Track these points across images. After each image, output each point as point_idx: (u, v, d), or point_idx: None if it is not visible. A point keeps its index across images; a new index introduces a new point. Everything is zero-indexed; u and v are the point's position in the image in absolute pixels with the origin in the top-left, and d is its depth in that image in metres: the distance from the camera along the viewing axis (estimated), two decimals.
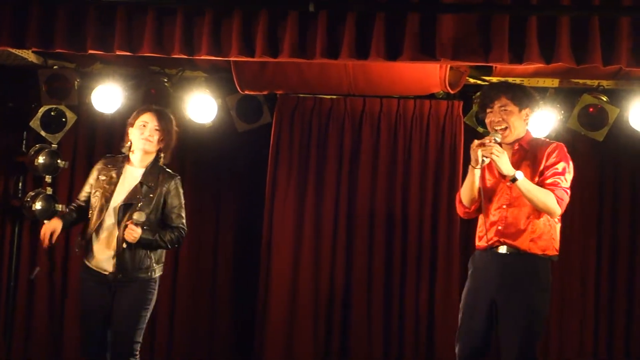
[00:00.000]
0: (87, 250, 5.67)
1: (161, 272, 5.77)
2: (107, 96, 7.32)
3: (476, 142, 5.21)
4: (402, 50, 5.65)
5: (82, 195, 5.84)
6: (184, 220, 5.79)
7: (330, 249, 7.55)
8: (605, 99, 7.13)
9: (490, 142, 5.15)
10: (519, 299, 5.11)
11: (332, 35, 5.68)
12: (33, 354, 7.70)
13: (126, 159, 5.80)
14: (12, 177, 7.78)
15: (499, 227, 5.23)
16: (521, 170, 5.15)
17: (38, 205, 7.56)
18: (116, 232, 5.58)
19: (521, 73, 7.09)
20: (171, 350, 7.72)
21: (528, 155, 5.28)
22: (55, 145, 7.64)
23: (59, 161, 7.62)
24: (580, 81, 7.22)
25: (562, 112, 7.21)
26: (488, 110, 5.33)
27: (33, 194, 7.64)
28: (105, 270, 5.60)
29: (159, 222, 5.70)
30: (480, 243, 5.36)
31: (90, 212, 5.70)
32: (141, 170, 5.74)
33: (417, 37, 5.63)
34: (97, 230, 5.62)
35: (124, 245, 5.54)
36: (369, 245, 7.52)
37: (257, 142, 7.67)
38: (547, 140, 5.47)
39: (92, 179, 5.80)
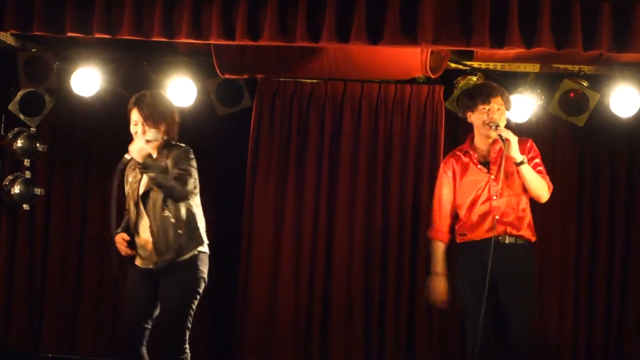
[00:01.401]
0: (133, 249, 5.59)
1: (205, 249, 5.60)
2: (86, 80, 7.26)
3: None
4: (383, 34, 5.66)
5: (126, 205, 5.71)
6: (191, 177, 5.54)
7: (311, 233, 7.54)
8: (586, 84, 7.14)
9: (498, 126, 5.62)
10: (521, 281, 5.63)
11: (313, 18, 5.67)
12: (12, 340, 7.65)
13: None
14: None
15: (496, 217, 5.61)
16: (502, 161, 5.58)
17: (17, 189, 7.51)
18: (147, 224, 5.51)
19: (502, 58, 7.09)
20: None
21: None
22: (34, 129, 7.59)
23: (37, 145, 7.57)
24: (561, 66, 7.23)
25: (543, 97, 7.22)
26: (482, 105, 5.65)
27: (12, 177, 7.58)
28: (146, 266, 5.55)
29: None
30: (470, 235, 5.70)
31: (127, 216, 5.62)
32: (154, 156, 5.61)
33: (398, 21, 5.64)
34: (137, 228, 5.55)
35: (127, 156, 5.41)
36: (350, 230, 7.51)
37: (237, 126, 7.64)
38: (520, 137, 5.74)
39: (119, 186, 5.62)
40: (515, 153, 5.57)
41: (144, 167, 5.43)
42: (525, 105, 7.08)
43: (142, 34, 5.85)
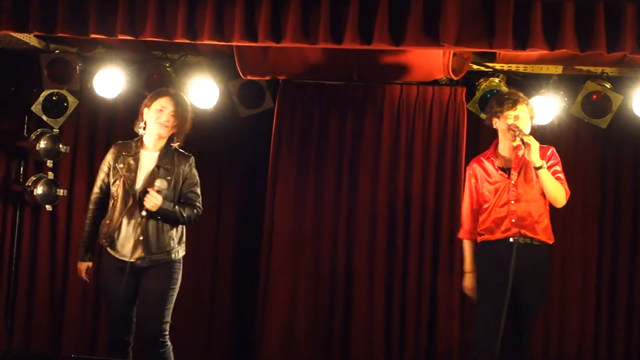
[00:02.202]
0: (111, 239, 5.70)
1: (184, 253, 5.84)
2: (109, 81, 7.29)
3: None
4: (406, 35, 5.65)
5: (98, 186, 5.85)
6: (200, 199, 5.87)
7: (332, 236, 7.54)
8: (609, 86, 7.11)
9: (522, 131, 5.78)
10: (535, 283, 5.83)
11: (336, 20, 5.68)
12: (34, 340, 7.69)
13: (140, 143, 5.83)
14: (13, 162, 7.76)
15: (512, 220, 5.81)
16: (525, 168, 5.83)
17: (39, 190, 7.55)
18: (139, 219, 5.62)
19: (525, 59, 7.07)
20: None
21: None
22: (57, 130, 7.63)
23: (60, 146, 7.61)
24: (584, 68, 7.20)
25: (566, 99, 7.19)
26: (509, 111, 5.82)
27: (34, 178, 7.62)
28: (130, 258, 5.64)
29: (177, 202, 5.75)
30: (487, 236, 5.92)
31: (112, 201, 5.72)
32: (156, 154, 5.78)
33: (420, 22, 5.63)
34: (122, 219, 5.65)
35: (143, 214, 5.57)
36: (371, 233, 7.49)
37: (259, 128, 7.65)
38: (543, 146, 5.89)
39: (106, 167, 5.82)
40: (535, 157, 5.71)
41: (159, 214, 5.63)
42: (548, 107, 7.05)
43: (165, 35, 5.87)
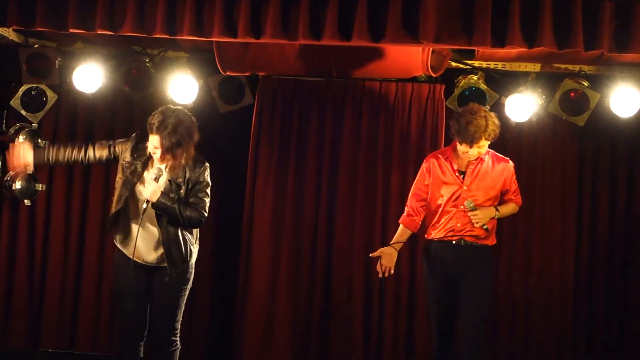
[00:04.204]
0: (124, 238, 5.69)
1: (196, 254, 5.85)
2: (88, 76, 7.27)
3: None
4: (385, 32, 5.67)
5: (100, 152, 5.74)
6: (206, 206, 5.72)
7: (311, 232, 7.56)
8: (586, 84, 7.15)
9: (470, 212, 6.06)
10: (478, 280, 6.06)
11: (315, 16, 5.69)
12: (12, 335, 7.67)
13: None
14: None
15: (458, 225, 6.08)
16: (480, 175, 6.10)
17: (18, 185, 7.50)
18: (157, 230, 5.61)
19: (503, 57, 7.11)
20: None
21: (485, 164, 6.14)
22: (36, 125, 7.58)
23: (39, 140, 7.56)
24: (562, 66, 7.25)
25: (544, 96, 7.22)
26: (465, 143, 5.96)
27: (13, 173, 7.58)
28: (148, 262, 5.65)
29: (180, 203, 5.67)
30: (433, 235, 6.18)
31: (116, 191, 5.70)
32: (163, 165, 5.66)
33: (399, 19, 5.65)
34: (138, 224, 5.61)
35: (144, 206, 5.54)
36: (350, 228, 7.52)
37: (238, 123, 7.65)
38: (500, 155, 6.26)
39: (121, 152, 5.72)
40: (487, 221, 6.07)
41: (157, 209, 5.55)
42: (525, 104, 7.09)
43: (144, 30, 5.87)
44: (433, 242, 6.19)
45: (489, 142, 6.02)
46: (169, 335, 5.71)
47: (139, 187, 5.59)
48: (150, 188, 5.53)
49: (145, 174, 5.64)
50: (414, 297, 7.48)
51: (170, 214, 5.58)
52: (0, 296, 7.70)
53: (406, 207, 6.34)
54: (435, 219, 6.17)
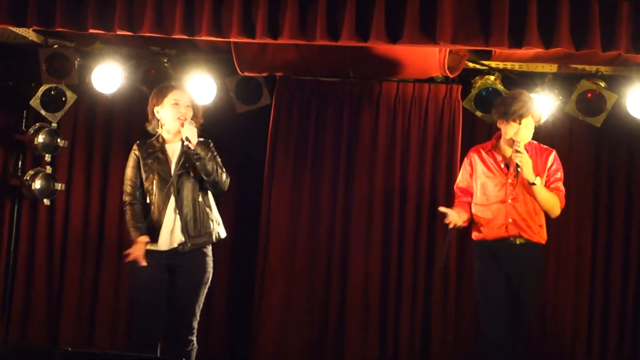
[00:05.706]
0: (156, 233, 5.72)
1: (225, 234, 5.92)
2: (107, 76, 7.33)
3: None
4: (402, 33, 5.66)
5: (129, 187, 5.80)
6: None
7: (327, 232, 7.58)
8: (603, 85, 7.15)
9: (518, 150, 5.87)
10: (529, 280, 5.99)
11: (333, 17, 5.69)
12: (31, 333, 7.71)
13: (160, 138, 5.85)
14: (11, 156, 7.78)
15: (510, 220, 5.95)
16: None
17: (37, 184, 7.58)
18: (174, 206, 5.67)
19: (520, 58, 7.10)
20: None
21: (529, 154, 5.94)
22: (55, 124, 7.64)
23: (58, 140, 7.63)
24: (579, 67, 7.23)
25: (561, 97, 7.22)
26: (513, 121, 5.87)
27: (32, 172, 7.64)
28: (170, 246, 5.67)
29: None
30: (484, 233, 6.04)
31: (149, 197, 5.75)
32: (179, 143, 5.78)
33: (417, 20, 5.64)
34: (165, 208, 5.69)
35: (185, 143, 5.63)
36: (367, 228, 7.53)
37: (256, 124, 7.68)
38: (544, 146, 6.14)
39: (133, 167, 5.81)
40: (529, 175, 5.87)
41: (195, 153, 5.63)
42: (542, 105, 7.06)
43: (163, 31, 5.89)
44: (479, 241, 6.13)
45: (535, 125, 5.97)
46: (187, 334, 5.73)
47: (180, 129, 5.69)
48: (191, 128, 5.65)
49: (171, 162, 5.74)
50: (430, 300, 7.48)
51: (205, 160, 5.66)
52: (20, 295, 7.75)
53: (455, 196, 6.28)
54: (480, 215, 6.07)
